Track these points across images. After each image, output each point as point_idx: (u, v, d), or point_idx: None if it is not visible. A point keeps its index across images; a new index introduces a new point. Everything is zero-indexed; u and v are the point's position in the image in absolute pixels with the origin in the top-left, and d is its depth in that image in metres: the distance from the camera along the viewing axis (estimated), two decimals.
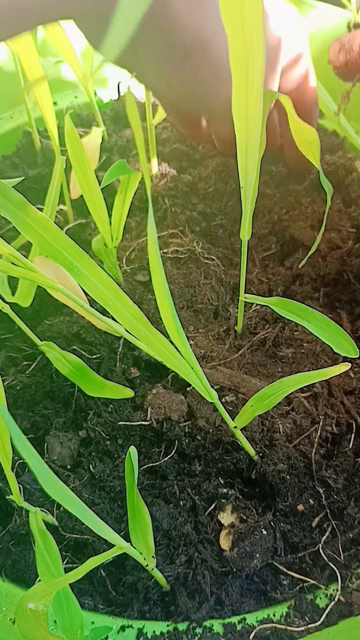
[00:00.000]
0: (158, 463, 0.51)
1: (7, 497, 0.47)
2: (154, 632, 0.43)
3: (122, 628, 0.43)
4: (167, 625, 0.43)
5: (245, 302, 0.55)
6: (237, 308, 0.62)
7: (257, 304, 0.62)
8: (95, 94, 0.93)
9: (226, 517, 0.48)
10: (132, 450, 0.39)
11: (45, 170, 0.82)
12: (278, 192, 0.74)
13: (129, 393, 0.53)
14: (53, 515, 0.49)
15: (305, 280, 0.63)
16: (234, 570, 0.45)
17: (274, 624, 0.43)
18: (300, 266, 0.62)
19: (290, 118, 0.50)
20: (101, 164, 0.81)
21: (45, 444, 0.53)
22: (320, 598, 0.44)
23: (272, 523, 0.47)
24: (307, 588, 0.45)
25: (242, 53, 0.31)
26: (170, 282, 0.64)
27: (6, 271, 0.42)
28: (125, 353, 0.59)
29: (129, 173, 0.50)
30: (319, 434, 0.51)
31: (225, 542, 0.47)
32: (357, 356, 0.46)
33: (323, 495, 0.48)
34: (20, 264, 0.43)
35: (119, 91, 0.92)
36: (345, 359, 0.53)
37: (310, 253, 0.60)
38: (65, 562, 0.47)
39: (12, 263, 0.43)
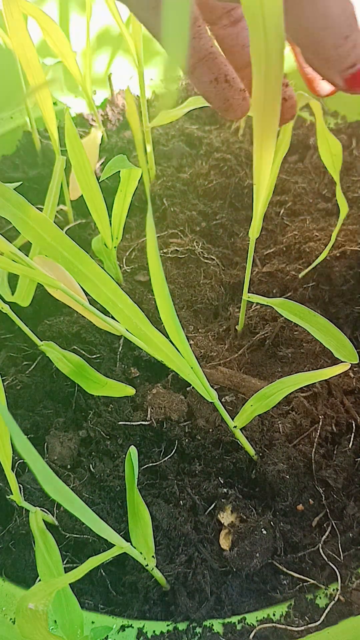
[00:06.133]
0: (158, 463, 0.51)
1: (7, 497, 0.48)
2: (154, 631, 0.43)
3: (122, 628, 0.43)
4: (167, 625, 0.43)
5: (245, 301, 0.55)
6: (237, 308, 0.62)
7: (257, 304, 0.62)
8: (95, 93, 0.93)
9: (226, 517, 0.48)
10: (132, 450, 0.39)
11: (45, 171, 0.82)
12: (281, 191, 0.74)
13: (130, 391, 0.53)
14: (53, 515, 0.49)
15: (305, 281, 0.63)
16: (234, 570, 0.45)
17: (273, 624, 0.43)
18: (300, 276, 0.62)
19: (318, 127, 0.49)
20: (101, 165, 0.81)
21: (45, 444, 0.53)
22: (320, 598, 0.44)
23: (272, 523, 0.47)
24: (307, 588, 0.45)
25: (262, 47, 0.30)
26: (170, 282, 0.64)
27: (7, 268, 0.42)
28: (125, 353, 0.59)
29: (127, 167, 0.50)
30: (318, 433, 0.51)
31: (225, 541, 0.47)
32: (357, 362, 0.46)
33: (323, 495, 0.48)
34: (21, 262, 0.43)
35: (110, 86, 0.92)
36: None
37: (315, 263, 0.59)
38: (65, 562, 0.47)
39: (13, 261, 0.43)
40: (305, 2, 0.32)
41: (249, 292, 0.64)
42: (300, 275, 0.63)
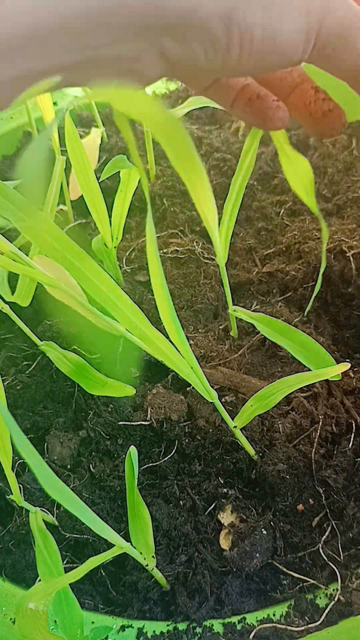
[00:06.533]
0: (158, 463, 0.51)
1: (8, 497, 0.48)
2: (154, 631, 0.43)
3: (122, 628, 0.43)
4: (167, 625, 0.43)
5: (246, 300, 0.55)
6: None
7: (257, 304, 0.62)
8: None
9: (226, 517, 0.48)
10: (132, 450, 0.39)
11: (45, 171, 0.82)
12: (281, 191, 0.74)
13: (130, 391, 0.53)
14: (53, 515, 0.49)
15: (305, 281, 0.63)
16: (234, 570, 0.45)
17: (273, 624, 0.43)
18: (315, 293, 0.59)
19: (279, 151, 0.45)
20: (101, 165, 0.81)
21: (45, 444, 0.53)
22: (320, 598, 0.44)
23: (272, 523, 0.47)
24: (307, 588, 0.45)
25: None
26: (170, 282, 0.64)
27: (7, 267, 0.42)
28: (125, 353, 0.59)
29: (128, 167, 0.50)
30: (318, 433, 0.51)
31: (225, 542, 0.47)
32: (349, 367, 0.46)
33: (323, 495, 0.48)
34: (21, 261, 0.43)
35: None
36: (344, 359, 0.54)
37: (321, 270, 0.56)
38: (65, 562, 0.47)
39: (13, 261, 0.43)
40: (335, 57, 0.33)
41: (249, 293, 0.64)
42: (298, 274, 0.63)
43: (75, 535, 0.48)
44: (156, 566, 0.43)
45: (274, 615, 0.43)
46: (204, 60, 0.32)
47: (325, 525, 0.48)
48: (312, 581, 0.45)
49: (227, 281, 0.50)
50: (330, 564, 0.45)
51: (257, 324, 0.49)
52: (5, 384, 0.57)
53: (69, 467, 0.53)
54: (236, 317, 0.60)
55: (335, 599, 0.43)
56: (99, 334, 0.60)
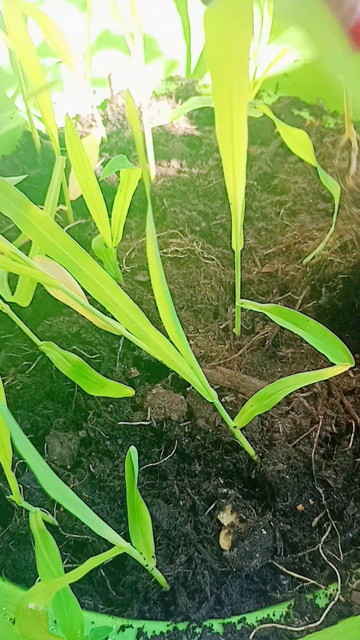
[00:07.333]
0: (158, 463, 0.51)
1: (7, 497, 0.48)
2: (153, 631, 0.43)
3: (122, 628, 0.43)
4: (167, 625, 0.43)
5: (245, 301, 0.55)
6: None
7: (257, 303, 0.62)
8: (94, 93, 0.93)
9: (226, 517, 0.48)
10: (132, 450, 0.39)
11: (45, 171, 0.82)
12: (281, 191, 0.74)
13: (129, 392, 0.53)
14: (53, 515, 0.49)
15: (305, 280, 0.63)
16: (234, 570, 0.45)
17: (273, 624, 0.43)
18: (304, 262, 0.62)
19: (278, 126, 0.51)
20: (101, 165, 0.81)
21: (45, 444, 0.53)
22: (320, 598, 0.44)
23: (271, 523, 0.47)
24: (307, 588, 0.45)
25: (226, 79, 0.30)
26: (170, 282, 0.64)
27: (7, 267, 0.42)
28: (125, 353, 0.59)
29: (127, 167, 0.50)
30: (318, 434, 0.51)
31: (225, 542, 0.47)
32: (354, 364, 0.46)
33: (323, 495, 0.48)
34: (21, 261, 0.43)
35: (110, 85, 0.92)
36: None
37: (316, 251, 0.60)
38: (65, 562, 0.47)
39: (13, 261, 0.43)
40: None
41: (250, 293, 0.64)
42: (298, 274, 0.63)
43: (75, 535, 0.48)
44: (156, 566, 0.43)
45: (273, 615, 0.43)
46: None
47: (325, 525, 0.48)
48: (312, 581, 0.45)
49: (239, 267, 0.50)
50: (330, 564, 0.45)
51: (268, 314, 0.49)
52: (5, 384, 0.57)
53: (69, 467, 0.53)
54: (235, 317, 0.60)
55: (335, 599, 0.43)
56: (99, 333, 0.60)
